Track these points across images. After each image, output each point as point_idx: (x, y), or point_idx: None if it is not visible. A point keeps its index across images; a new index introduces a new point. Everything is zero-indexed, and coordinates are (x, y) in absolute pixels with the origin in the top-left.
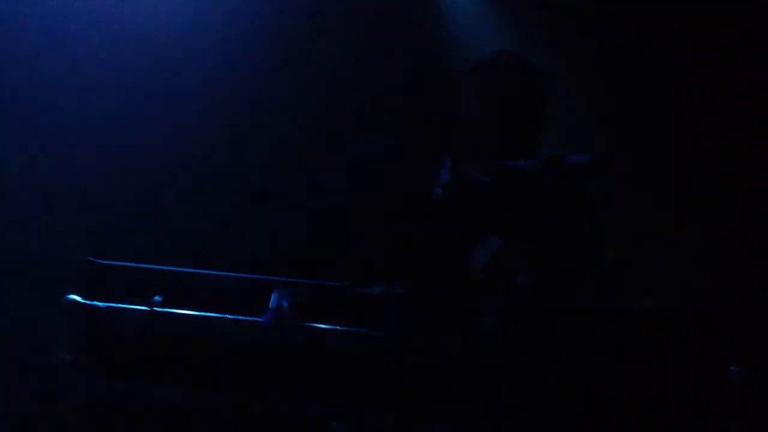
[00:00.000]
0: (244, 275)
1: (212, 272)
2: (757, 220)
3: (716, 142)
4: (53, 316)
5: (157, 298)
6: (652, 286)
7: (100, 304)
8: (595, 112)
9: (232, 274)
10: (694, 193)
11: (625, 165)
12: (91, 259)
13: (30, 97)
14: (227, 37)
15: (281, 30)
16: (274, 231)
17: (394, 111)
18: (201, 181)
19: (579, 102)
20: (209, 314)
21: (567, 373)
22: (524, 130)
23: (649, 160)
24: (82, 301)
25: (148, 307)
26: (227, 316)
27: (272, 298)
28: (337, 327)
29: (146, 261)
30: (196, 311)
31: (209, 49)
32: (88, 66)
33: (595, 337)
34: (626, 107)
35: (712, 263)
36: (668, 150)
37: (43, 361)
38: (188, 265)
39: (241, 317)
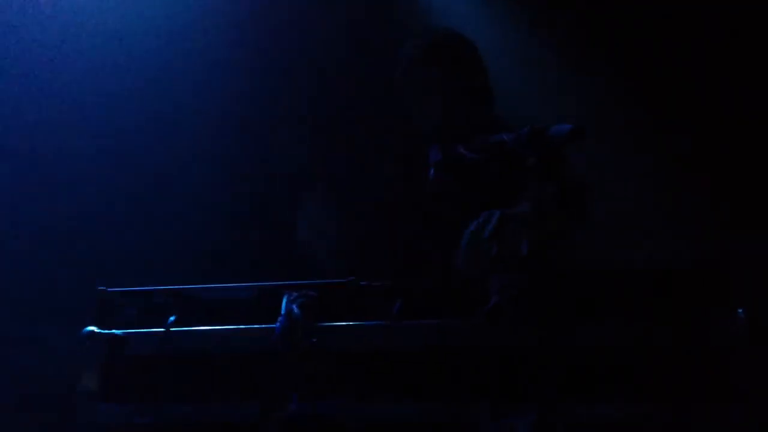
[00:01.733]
0: (251, 284)
1: (220, 285)
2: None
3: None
4: (73, 347)
5: (171, 318)
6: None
7: (117, 332)
8: (589, 101)
9: (239, 285)
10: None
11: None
12: (102, 288)
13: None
14: (226, 42)
15: (270, 34)
16: (272, 231)
17: (383, 109)
18: (192, 192)
19: (573, 93)
20: (224, 327)
21: (584, 335)
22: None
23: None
24: (100, 331)
25: (164, 328)
26: (241, 326)
27: (283, 303)
28: (350, 323)
29: (152, 282)
30: (210, 326)
31: (211, 60)
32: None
33: (603, 297)
34: (622, 100)
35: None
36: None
37: (69, 393)
38: (192, 280)
39: (255, 326)
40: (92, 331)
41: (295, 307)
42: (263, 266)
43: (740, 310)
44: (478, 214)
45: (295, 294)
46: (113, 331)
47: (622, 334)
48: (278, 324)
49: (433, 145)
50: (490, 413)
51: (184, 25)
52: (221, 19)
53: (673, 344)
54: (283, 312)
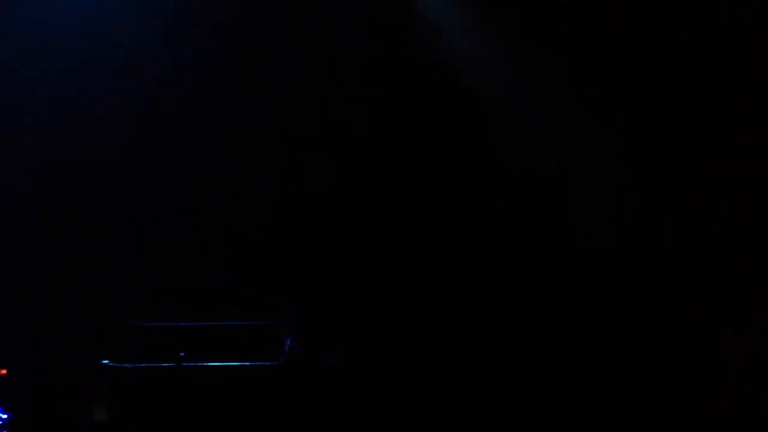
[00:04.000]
0: (254, 323)
1: (226, 323)
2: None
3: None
4: (87, 379)
5: (181, 353)
6: None
7: (128, 365)
8: (588, 111)
9: (244, 323)
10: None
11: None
12: (117, 323)
13: None
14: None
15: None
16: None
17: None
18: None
19: (573, 103)
20: (231, 363)
21: None
22: None
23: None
24: (113, 364)
25: (174, 362)
26: (246, 363)
27: (286, 342)
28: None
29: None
30: (217, 362)
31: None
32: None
33: None
34: (621, 107)
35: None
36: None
37: (83, 423)
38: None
39: (259, 363)
40: (106, 364)
41: (298, 345)
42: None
43: None
44: None
45: (297, 335)
46: (124, 364)
47: None
48: (281, 361)
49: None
50: None
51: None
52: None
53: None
54: (286, 349)
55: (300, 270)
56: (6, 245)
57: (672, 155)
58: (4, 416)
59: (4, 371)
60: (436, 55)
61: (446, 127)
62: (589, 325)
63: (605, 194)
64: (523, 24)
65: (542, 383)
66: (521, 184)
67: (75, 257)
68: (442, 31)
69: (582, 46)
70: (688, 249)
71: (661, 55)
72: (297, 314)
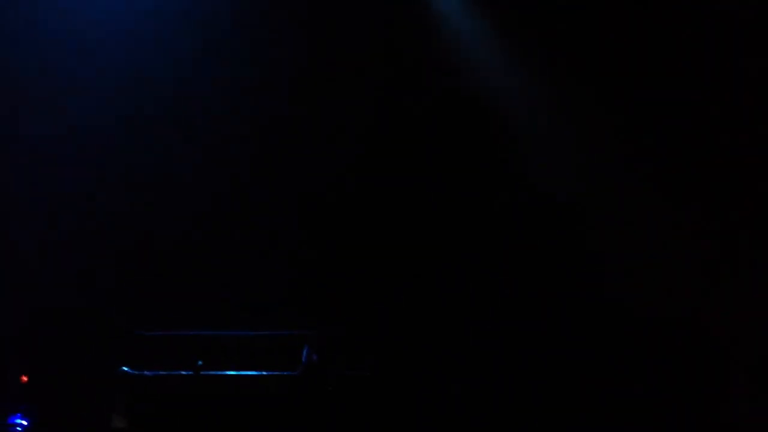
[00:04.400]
0: (272, 333)
1: (244, 332)
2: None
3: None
4: (106, 387)
5: (200, 362)
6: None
7: (148, 373)
8: (591, 115)
9: (262, 332)
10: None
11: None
12: (137, 332)
13: None
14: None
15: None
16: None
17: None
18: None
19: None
20: (249, 373)
21: None
22: None
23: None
24: (132, 372)
25: (193, 371)
26: (264, 372)
27: (303, 352)
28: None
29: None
30: (235, 371)
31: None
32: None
33: None
34: (624, 111)
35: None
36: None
37: (102, 430)
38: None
39: (277, 372)
40: (125, 371)
41: (314, 356)
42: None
43: None
44: None
45: (315, 345)
46: (144, 372)
47: None
48: (299, 371)
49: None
50: None
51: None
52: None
53: None
54: (303, 360)
55: (317, 280)
56: (25, 253)
57: (683, 156)
58: (25, 423)
59: (25, 378)
60: (446, 55)
61: (459, 129)
62: (589, 325)
63: (611, 195)
64: (531, 25)
65: (555, 386)
66: (530, 185)
67: (96, 266)
68: (453, 31)
69: (591, 48)
70: (687, 249)
71: (673, 58)
72: (315, 325)
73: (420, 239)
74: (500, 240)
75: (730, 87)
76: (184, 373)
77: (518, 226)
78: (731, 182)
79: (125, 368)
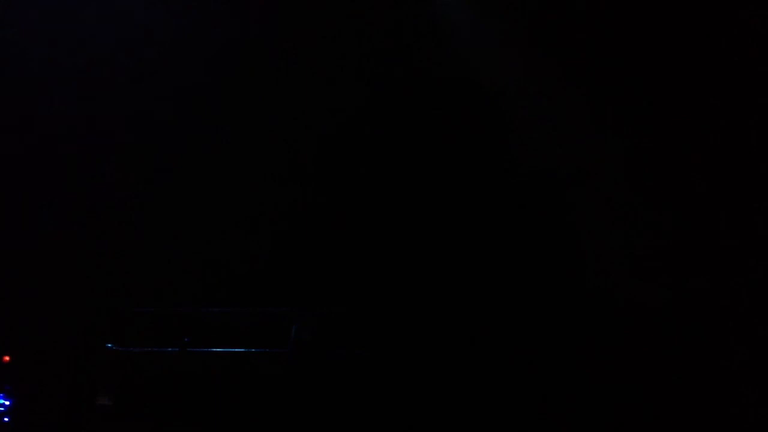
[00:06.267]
0: (261, 308)
1: (232, 309)
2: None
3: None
4: (91, 364)
5: (186, 339)
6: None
7: (134, 349)
8: (591, 112)
9: (250, 308)
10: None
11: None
12: (122, 307)
13: None
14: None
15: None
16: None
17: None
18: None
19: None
20: (237, 349)
21: None
22: None
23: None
24: (118, 348)
25: (179, 347)
26: (253, 349)
27: (293, 329)
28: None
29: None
30: (223, 348)
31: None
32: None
33: None
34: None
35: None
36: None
37: (87, 408)
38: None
39: (266, 349)
40: (111, 348)
41: (303, 333)
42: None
43: None
44: None
45: (305, 322)
46: (131, 348)
47: None
48: (289, 348)
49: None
50: None
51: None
52: None
53: None
54: (293, 337)
55: (308, 258)
56: (9, 231)
57: (686, 156)
58: (7, 402)
59: (6, 358)
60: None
61: (461, 130)
62: (591, 325)
63: (614, 196)
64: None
65: (555, 374)
66: (534, 186)
67: (80, 242)
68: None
69: (593, 48)
70: (688, 249)
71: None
72: (305, 301)
73: (422, 215)
74: (499, 226)
75: (730, 87)
76: (170, 350)
77: (515, 215)
78: (731, 182)
79: (110, 345)
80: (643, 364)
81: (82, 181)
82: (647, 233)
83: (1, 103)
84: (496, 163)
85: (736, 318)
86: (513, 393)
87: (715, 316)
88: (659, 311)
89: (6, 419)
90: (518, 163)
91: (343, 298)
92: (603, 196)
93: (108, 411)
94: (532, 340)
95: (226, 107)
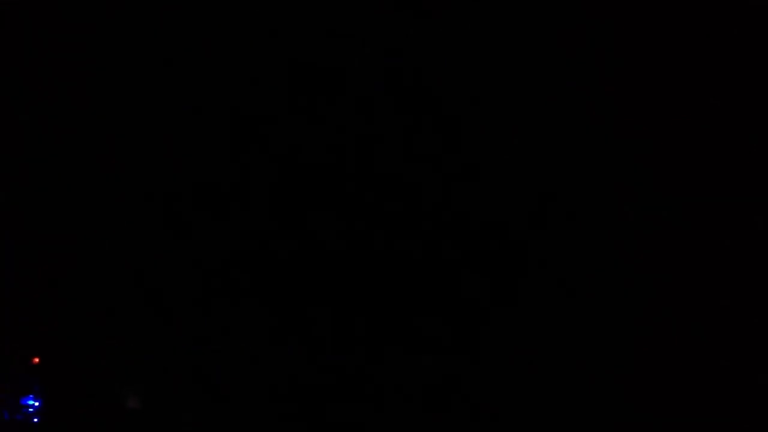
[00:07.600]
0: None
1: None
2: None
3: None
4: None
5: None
6: None
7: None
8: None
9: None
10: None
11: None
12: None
13: None
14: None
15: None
16: None
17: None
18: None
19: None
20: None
21: None
22: None
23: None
24: (146, 350)
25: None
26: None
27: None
28: None
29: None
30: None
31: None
32: None
33: None
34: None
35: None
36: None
37: (117, 410)
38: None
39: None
40: (138, 350)
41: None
42: None
43: None
44: None
45: None
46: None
47: None
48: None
49: None
50: None
51: None
52: None
53: None
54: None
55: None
56: (38, 233)
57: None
58: (37, 404)
59: (36, 359)
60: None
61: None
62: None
63: (609, 195)
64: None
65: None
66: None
67: (110, 243)
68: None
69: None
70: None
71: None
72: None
73: (421, 215)
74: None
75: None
76: (193, 350)
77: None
78: (731, 182)
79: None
80: (643, 364)
81: (112, 180)
82: (647, 233)
83: None
84: (489, 161)
85: (736, 318)
86: (513, 393)
87: (715, 316)
88: (659, 311)
89: (35, 420)
90: (512, 161)
91: (343, 297)
92: (603, 196)
93: (137, 413)
94: (532, 340)
95: None
